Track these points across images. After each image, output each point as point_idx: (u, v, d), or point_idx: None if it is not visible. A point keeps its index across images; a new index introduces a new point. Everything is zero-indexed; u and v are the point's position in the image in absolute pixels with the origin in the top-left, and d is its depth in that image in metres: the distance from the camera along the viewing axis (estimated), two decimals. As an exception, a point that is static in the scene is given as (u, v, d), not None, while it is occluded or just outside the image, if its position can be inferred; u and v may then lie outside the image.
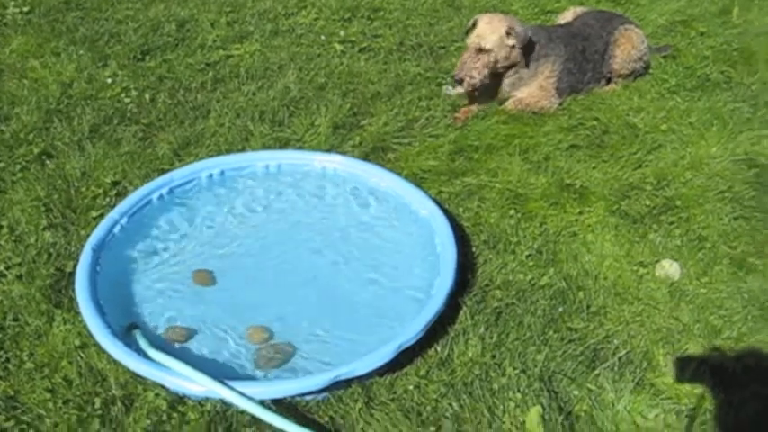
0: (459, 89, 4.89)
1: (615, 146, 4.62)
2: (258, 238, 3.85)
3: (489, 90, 4.96)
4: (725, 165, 4.48)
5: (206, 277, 3.62)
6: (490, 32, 4.69)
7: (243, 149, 4.47)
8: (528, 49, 4.85)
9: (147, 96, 4.99)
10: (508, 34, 4.70)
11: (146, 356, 3.07)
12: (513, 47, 4.75)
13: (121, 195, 4.05)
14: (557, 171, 4.38)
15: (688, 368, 3.25)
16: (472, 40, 4.74)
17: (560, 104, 5.05)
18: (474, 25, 4.78)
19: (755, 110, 5.02)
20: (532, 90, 4.97)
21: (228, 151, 4.45)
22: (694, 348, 3.34)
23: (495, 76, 4.90)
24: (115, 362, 3.10)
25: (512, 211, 4.05)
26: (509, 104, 5.01)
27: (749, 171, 4.45)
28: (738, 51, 5.74)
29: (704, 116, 4.91)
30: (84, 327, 3.23)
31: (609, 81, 5.29)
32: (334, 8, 6.19)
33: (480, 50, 4.71)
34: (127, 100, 4.96)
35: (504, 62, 4.81)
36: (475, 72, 4.73)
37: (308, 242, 3.83)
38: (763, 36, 6.00)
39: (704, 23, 6.17)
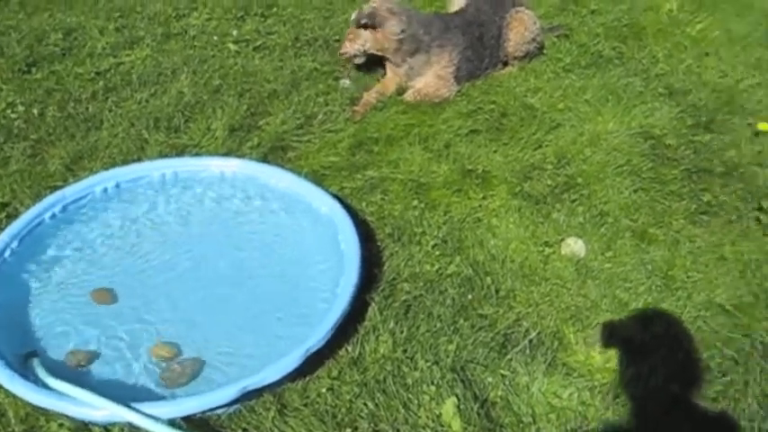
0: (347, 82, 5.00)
1: (514, 128, 4.64)
2: (159, 249, 3.73)
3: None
4: (622, 139, 4.55)
5: (106, 296, 3.48)
6: (374, 6, 4.88)
7: (139, 159, 4.33)
8: (411, 41, 4.90)
9: (35, 110, 4.80)
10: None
11: (45, 386, 2.93)
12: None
13: (12, 217, 3.85)
14: (458, 157, 4.37)
15: (598, 344, 3.28)
16: (354, 17, 4.96)
17: (458, 90, 5.03)
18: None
19: (647, 83, 5.12)
20: (429, 80, 4.97)
21: (124, 162, 4.30)
22: (603, 323, 3.38)
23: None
24: (13, 395, 2.95)
25: (415, 202, 4.03)
26: (408, 96, 4.96)
27: (645, 143, 4.53)
28: (628, 27, 5.87)
29: (599, 92, 4.99)
30: (-22, 360, 3.08)
31: (505, 64, 5.30)
32: (227, 7, 6.08)
33: (359, 25, 4.92)
34: (13, 116, 4.76)
35: (375, 46, 4.94)
36: (348, 44, 4.99)
37: (211, 250, 3.74)
38: (651, 11, 6.16)
39: (595, 1, 6.28)
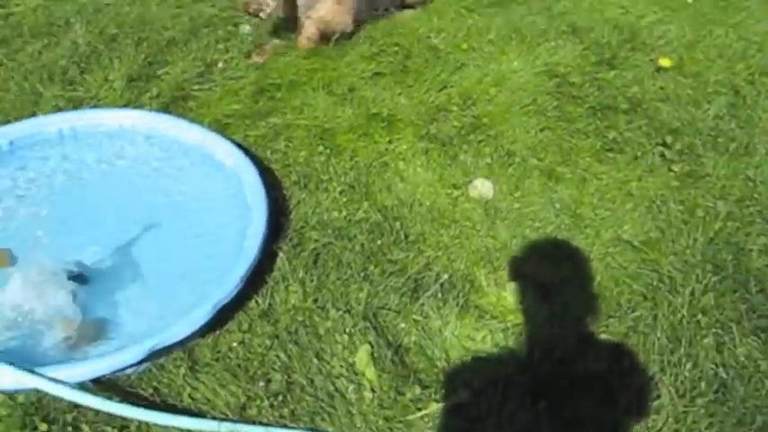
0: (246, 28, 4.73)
1: (419, 70, 4.56)
2: (60, 209, 3.57)
3: (290, 19, 4.76)
4: (527, 78, 4.51)
5: (3, 258, 3.30)
6: None
7: (33, 114, 4.12)
8: None
9: None
10: None
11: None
12: None
13: None
14: (362, 101, 4.28)
15: (509, 284, 3.27)
16: None
17: (359, 26, 4.83)
18: None
19: (550, 21, 5.08)
20: (329, 5, 4.76)
21: (17, 118, 4.06)
22: (513, 264, 3.37)
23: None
24: None
25: (320, 148, 3.93)
26: (302, 41, 4.77)
27: (550, 81, 4.50)
28: (530, -36, 5.81)
29: (503, 31, 4.93)
30: None
31: (405, 6, 5.17)
32: (118, -49, 5.78)
33: None
34: None
35: None
36: None
37: (114, 207, 3.59)
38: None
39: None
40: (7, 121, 4.04)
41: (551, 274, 3.33)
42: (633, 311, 3.19)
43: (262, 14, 4.52)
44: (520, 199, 3.71)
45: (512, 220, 3.59)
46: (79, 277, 3.18)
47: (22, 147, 3.83)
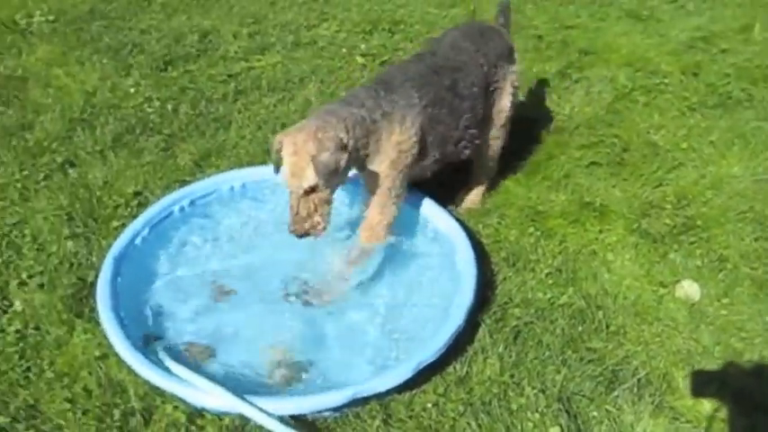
0: None
1: (636, 164, 4.61)
2: (279, 251, 3.83)
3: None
4: (746, 184, 4.45)
5: (225, 291, 3.63)
6: (304, 164, 3.31)
7: (264, 162, 4.45)
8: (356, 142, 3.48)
9: (170, 107, 5.03)
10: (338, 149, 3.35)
11: (165, 369, 3.08)
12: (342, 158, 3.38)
13: (143, 206, 4.09)
14: (576, 189, 4.38)
15: (708, 391, 3.23)
16: (290, 184, 3.38)
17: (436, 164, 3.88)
18: (279, 151, 3.39)
19: (778, 129, 5.00)
20: (384, 167, 3.62)
21: (250, 163, 4.46)
22: (714, 370, 3.33)
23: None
24: (135, 373, 3.12)
25: (531, 229, 4.06)
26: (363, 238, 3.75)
27: (771, 191, 4.43)
28: (760, 69, 5.73)
29: (725, 135, 4.89)
30: (105, 337, 3.26)
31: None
32: (356, 21, 6.22)
33: (307, 192, 3.37)
34: (149, 110, 5.01)
35: (342, 179, 3.52)
36: (318, 218, 3.43)
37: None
38: (785, 54, 6.00)
39: (726, 40, 6.15)
40: (240, 165, 4.43)
41: (755, 388, 3.26)
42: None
43: (314, 235, 3.48)
44: (728, 306, 3.65)
45: (717, 327, 3.54)
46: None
47: (252, 190, 4.16)
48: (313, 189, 3.34)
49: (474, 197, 4.30)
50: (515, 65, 4.20)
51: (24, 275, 3.70)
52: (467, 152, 3.97)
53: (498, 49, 4.08)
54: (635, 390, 3.21)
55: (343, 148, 3.37)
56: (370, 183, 3.65)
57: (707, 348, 3.44)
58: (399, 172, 3.63)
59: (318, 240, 3.51)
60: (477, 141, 4.00)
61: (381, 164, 3.59)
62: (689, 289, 3.72)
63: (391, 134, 3.57)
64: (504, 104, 4.12)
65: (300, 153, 3.30)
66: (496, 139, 4.20)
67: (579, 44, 5.87)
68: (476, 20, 6.14)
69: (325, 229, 3.49)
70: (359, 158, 3.52)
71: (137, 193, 4.22)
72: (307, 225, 3.43)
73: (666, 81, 5.45)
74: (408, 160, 3.63)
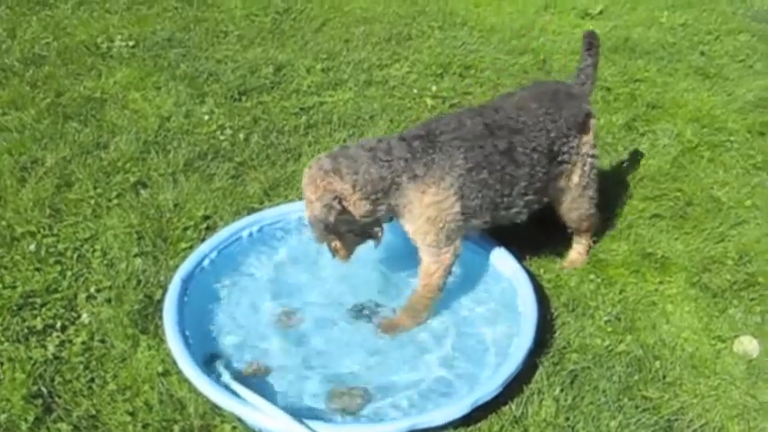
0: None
1: (698, 218, 4.61)
2: (343, 284, 3.93)
3: None
4: (810, 246, 4.44)
5: (289, 317, 3.73)
6: (315, 199, 3.37)
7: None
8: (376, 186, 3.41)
9: (242, 135, 5.16)
10: (330, 207, 3.33)
11: (227, 388, 3.17)
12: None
13: (211, 229, 4.20)
14: (638, 239, 4.39)
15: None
16: (308, 214, 3.46)
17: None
18: None
19: None
20: (421, 223, 3.52)
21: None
22: (771, 429, 3.32)
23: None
24: (195, 392, 3.21)
25: (592, 276, 4.08)
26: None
27: (834, 252, 4.40)
28: (829, 132, 5.70)
29: (790, 195, 4.88)
30: (168, 354, 3.37)
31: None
32: (427, 63, 6.32)
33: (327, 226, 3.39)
34: (222, 137, 5.14)
35: (366, 217, 3.47)
36: (337, 244, 3.54)
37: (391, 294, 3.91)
38: None
39: (794, 102, 6.13)
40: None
41: (812, 448, 3.25)
42: None
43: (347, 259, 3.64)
44: (787, 364, 3.65)
45: (775, 384, 3.54)
46: None
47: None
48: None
49: (573, 256, 4.24)
50: (591, 134, 3.94)
51: (93, 289, 3.82)
52: (522, 218, 3.80)
53: (572, 115, 3.82)
54: (690, 441, 3.23)
55: (339, 203, 3.30)
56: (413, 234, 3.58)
57: (764, 405, 3.43)
58: (441, 228, 3.49)
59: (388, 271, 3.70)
60: (536, 206, 3.82)
61: (417, 220, 3.47)
62: (748, 345, 3.72)
63: (424, 195, 3.42)
64: (576, 179, 3.91)
65: (305, 191, 3.41)
66: (576, 210, 4.02)
67: (647, 98, 5.89)
68: (549, 72, 6.24)
69: (347, 257, 3.58)
70: (376, 212, 3.43)
71: (206, 217, 4.33)
72: (331, 246, 3.54)
73: (732, 139, 5.43)
74: (450, 217, 3.48)
